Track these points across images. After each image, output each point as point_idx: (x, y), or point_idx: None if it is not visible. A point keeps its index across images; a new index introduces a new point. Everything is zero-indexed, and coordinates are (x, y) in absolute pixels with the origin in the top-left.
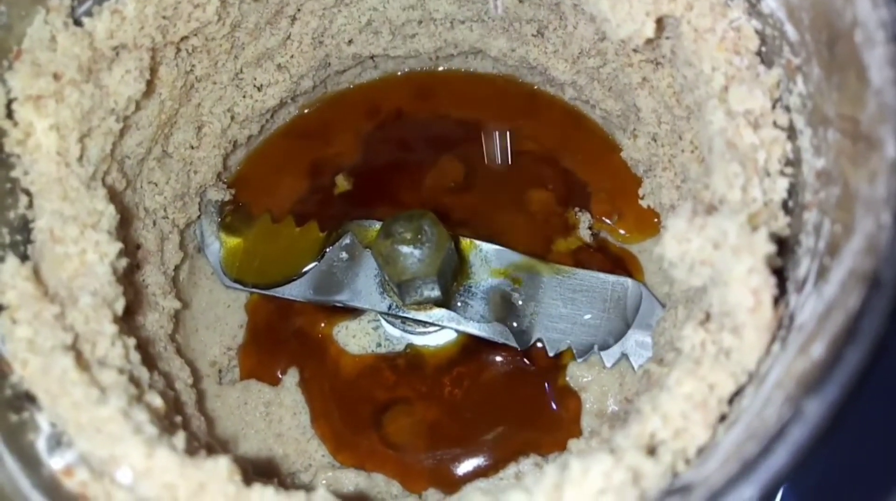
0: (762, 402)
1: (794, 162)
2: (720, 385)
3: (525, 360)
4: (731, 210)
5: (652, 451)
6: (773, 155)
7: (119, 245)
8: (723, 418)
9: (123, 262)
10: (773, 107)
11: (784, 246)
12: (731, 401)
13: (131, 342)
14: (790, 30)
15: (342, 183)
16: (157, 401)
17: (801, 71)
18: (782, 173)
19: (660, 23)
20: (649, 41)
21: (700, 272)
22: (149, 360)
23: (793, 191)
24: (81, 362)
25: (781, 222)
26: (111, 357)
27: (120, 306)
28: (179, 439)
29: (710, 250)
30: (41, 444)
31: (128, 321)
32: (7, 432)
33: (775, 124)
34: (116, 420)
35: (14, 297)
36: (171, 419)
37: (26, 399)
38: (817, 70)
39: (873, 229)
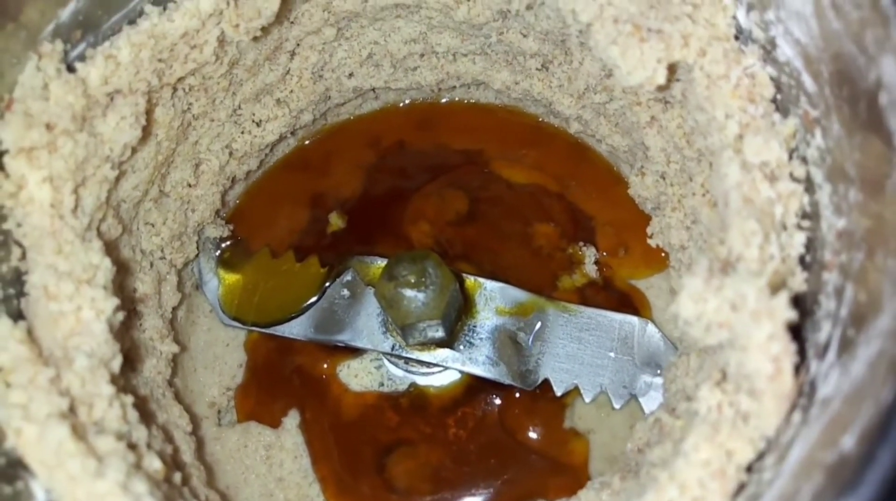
0: (788, 486)
1: (811, 215)
2: (738, 453)
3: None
4: (748, 270)
5: None
6: (790, 208)
7: (115, 301)
8: (741, 487)
9: (120, 316)
10: (790, 157)
11: (802, 305)
12: (749, 468)
13: (129, 399)
14: (808, 80)
15: (336, 221)
16: (155, 464)
17: (819, 124)
18: (799, 227)
19: (671, 68)
20: (661, 87)
21: (717, 334)
22: (147, 415)
23: (810, 246)
24: (77, 428)
25: (799, 278)
26: (108, 419)
27: (117, 364)
28: None
29: (728, 312)
30: None
31: (125, 372)
32: None
33: (792, 176)
34: (115, 495)
35: (7, 360)
36: (170, 480)
37: (20, 467)
38: (837, 126)
39: None
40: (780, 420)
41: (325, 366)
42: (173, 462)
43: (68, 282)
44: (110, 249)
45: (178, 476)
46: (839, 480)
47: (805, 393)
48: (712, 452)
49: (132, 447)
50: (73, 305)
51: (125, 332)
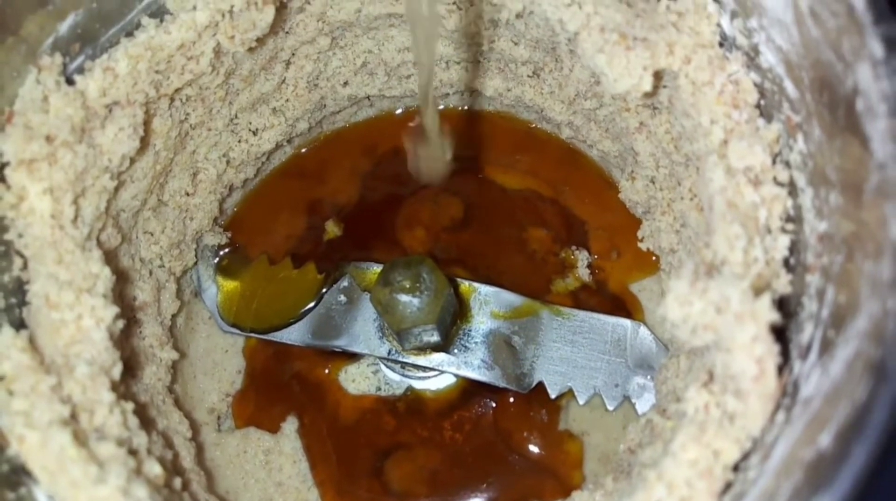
0: (770, 484)
1: (795, 219)
2: (725, 452)
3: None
4: (732, 273)
5: None
6: (774, 212)
7: (115, 309)
8: (727, 486)
9: (120, 324)
10: (774, 162)
11: (786, 307)
12: (735, 468)
13: (129, 406)
14: (790, 86)
15: (332, 229)
16: (156, 469)
17: (801, 129)
18: (783, 230)
19: (657, 75)
20: (647, 94)
21: (703, 336)
22: (147, 421)
23: (794, 249)
24: (79, 435)
25: (783, 281)
26: (109, 426)
27: (117, 371)
28: None
29: (713, 315)
30: None
31: (125, 379)
32: None
33: (776, 181)
34: (116, 500)
35: (10, 369)
36: (170, 486)
37: (23, 474)
38: (818, 130)
39: (879, 314)
40: (764, 420)
41: (324, 371)
42: (173, 468)
43: (69, 291)
44: (110, 258)
45: (178, 482)
46: (816, 477)
47: (789, 393)
48: (699, 452)
49: (133, 452)
50: (74, 313)
51: (125, 340)
